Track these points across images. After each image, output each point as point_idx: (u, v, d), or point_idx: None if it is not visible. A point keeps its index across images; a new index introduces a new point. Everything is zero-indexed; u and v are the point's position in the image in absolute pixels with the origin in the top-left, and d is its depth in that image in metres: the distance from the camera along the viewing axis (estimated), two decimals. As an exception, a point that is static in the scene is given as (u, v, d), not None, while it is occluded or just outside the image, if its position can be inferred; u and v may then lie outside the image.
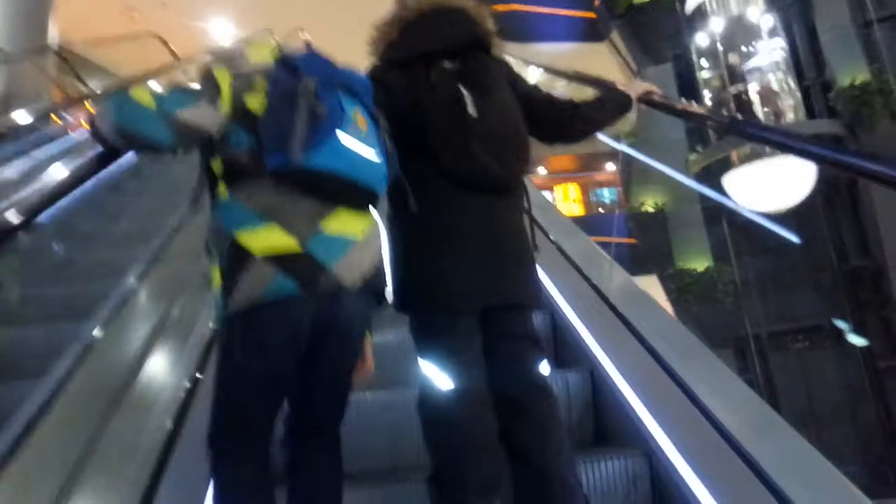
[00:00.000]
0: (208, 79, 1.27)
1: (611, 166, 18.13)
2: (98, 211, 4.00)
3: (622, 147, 10.15)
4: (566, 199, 17.63)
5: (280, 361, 1.26)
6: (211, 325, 1.94)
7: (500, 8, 12.38)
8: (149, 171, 4.98)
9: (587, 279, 2.48)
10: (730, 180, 8.84)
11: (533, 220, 1.63)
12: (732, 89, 9.21)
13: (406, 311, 1.52)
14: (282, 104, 1.24)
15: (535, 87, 1.69)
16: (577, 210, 17.23)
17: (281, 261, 1.20)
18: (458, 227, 1.47)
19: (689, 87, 9.89)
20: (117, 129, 1.22)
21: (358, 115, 1.30)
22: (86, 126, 1.38)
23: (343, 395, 1.40)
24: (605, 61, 12.18)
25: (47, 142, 4.68)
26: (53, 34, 7.35)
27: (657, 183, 9.85)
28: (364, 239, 1.31)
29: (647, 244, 9.88)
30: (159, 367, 1.98)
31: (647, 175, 9.98)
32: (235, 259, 1.21)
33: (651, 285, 9.82)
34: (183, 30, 11.95)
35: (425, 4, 1.58)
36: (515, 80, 1.65)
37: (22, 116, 3.30)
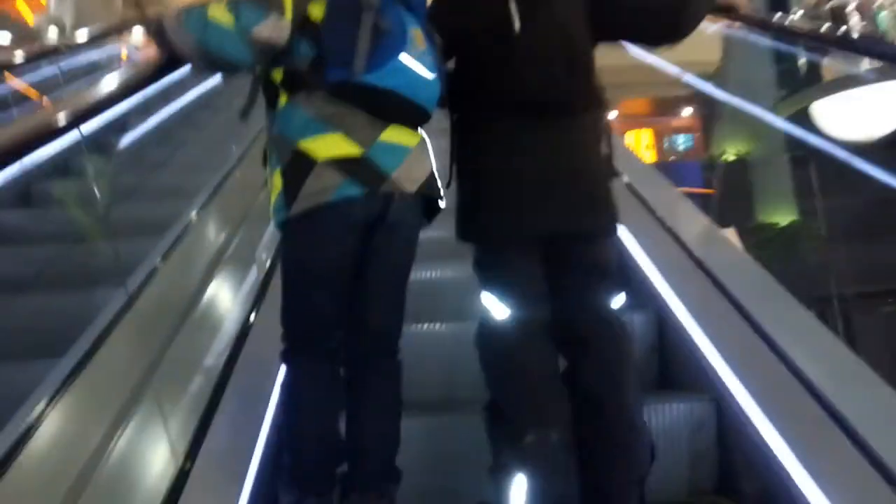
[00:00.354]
0: None
1: (688, 111, 17.08)
2: (167, 139, 4.25)
3: (705, 85, 9.56)
4: (637, 146, 16.84)
5: (342, 256, 1.30)
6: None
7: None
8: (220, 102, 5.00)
9: (655, 215, 2.34)
10: (818, 107, 8.18)
11: (610, 144, 1.49)
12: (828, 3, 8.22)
13: (467, 239, 1.48)
14: (344, 17, 1.22)
15: None
16: (649, 157, 16.42)
17: (346, 165, 1.24)
18: (519, 152, 1.39)
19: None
20: (200, 50, 1.25)
21: (416, 33, 1.28)
22: (149, 36, 1.32)
23: (399, 303, 1.42)
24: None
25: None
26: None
27: (740, 130, 9.19)
28: (417, 147, 1.35)
29: (726, 195, 9.34)
30: (226, 283, 2.04)
31: (730, 121, 9.31)
32: (299, 165, 1.24)
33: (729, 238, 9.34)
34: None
35: None
36: None
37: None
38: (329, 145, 1.24)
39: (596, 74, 1.47)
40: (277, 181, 1.28)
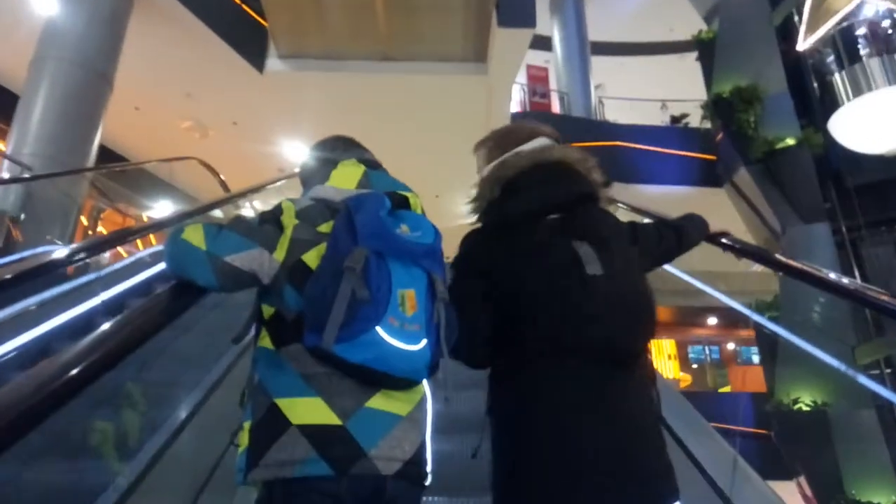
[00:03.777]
0: (273, 219, 1.26)
1: (712, 320, 15.86)
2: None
3: (765, 322, 8.11)
4: (660, 356, 15.31)
5: None
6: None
7: (602, 144, 11.05)
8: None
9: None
10: (837, 120, 7.26)
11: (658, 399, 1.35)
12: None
13: None
14: (327, 278, 1.14)
15: (648, 226, 1.62)
16: (673, 371, 14.79)
17: (318, 436, 1.13)
18: (573, 411, 1.22)
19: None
20: (170, 267, 1.27)
21: (407, 294, 1.17)
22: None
23: None
24: (723, 212, 10.32)
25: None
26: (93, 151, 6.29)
27: (813, 374, 7.60)
28: (409, 415, 1.23)
29: (799, 450, 7.45)
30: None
31: (801, 363, 7.74)
32: (271, 425, 1.15)
33: (789, 493, 7.36)
34: (254, 149, 11.09)
35: (526, 161, 1.47)
36: (635, 227, 1.53)
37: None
38: (306, 410, 1.14)
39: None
40: (245, 438, 1.18)
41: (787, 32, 9.35)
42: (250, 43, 8.98)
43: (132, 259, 5.14)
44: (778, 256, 2.15)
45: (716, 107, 9.13)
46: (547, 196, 1.42)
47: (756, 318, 8.33)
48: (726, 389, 16.06)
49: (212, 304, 3.71)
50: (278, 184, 5.23)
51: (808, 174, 8.23)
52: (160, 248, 5.08)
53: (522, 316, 1.30)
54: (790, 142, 8.35)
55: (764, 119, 8.86)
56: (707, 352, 16.41)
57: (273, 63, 9.27)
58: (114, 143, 11.29)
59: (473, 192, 1.54)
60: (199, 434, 2.41)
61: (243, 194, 4.48)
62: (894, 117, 6.85)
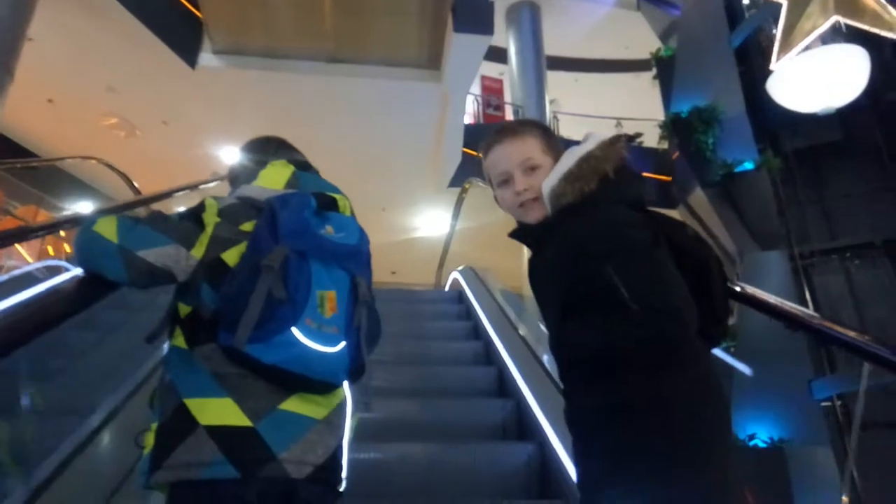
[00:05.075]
0: (194, 216, 1.23)
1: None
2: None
3: (722, 355, 7.82)
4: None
5: None
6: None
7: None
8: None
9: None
10: (774, 80, 7.25)
11: None
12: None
13: None
14: (244, 276, 1.12)
15: None
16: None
17: (226, 438, 1.09)
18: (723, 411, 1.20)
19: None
20: (78, 258, 1.23)
21: (327, 296, 1.16)
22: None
23: None
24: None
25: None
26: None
27: (769, 408, 7.33)
28: (326, 419, 1.21)
29: (755, 487, 7.16)
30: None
31: (756, 396, 7.45)
32: (178, 425, 1.11)
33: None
34: (186, 152, 10.16)
35: (616, 157, 1.33)
36: None
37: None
38: (215, 411, 1.10)
39: None
40: (150, 439, 1.14)
41: (745, 54, 9.22)
42: (181, 34, 8.13)
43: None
44: (750, 289, 1.90)
45: (674, 126, 8.88)
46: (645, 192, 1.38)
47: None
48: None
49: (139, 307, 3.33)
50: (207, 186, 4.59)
51: (766, 199, 8.03)
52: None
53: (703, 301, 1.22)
54: (748, 165, 8.15)
55: (722, 140, 8.66)
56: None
57: (207, 58, 8.44)
58: (22, 137, 10.16)
59: (556, 184, 1.31)
60: (112, 439, 2.34)
61: (157, 197, 3.85)
62: (828, 75, 6.80)
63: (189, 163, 10.26)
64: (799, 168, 9.06)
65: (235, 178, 1.50)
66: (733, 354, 7.68)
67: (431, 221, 12.09)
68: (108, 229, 1.15)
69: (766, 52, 8.87)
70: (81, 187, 10.67)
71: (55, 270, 4.91)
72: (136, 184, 5.37)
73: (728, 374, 7.68)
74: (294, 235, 1.15)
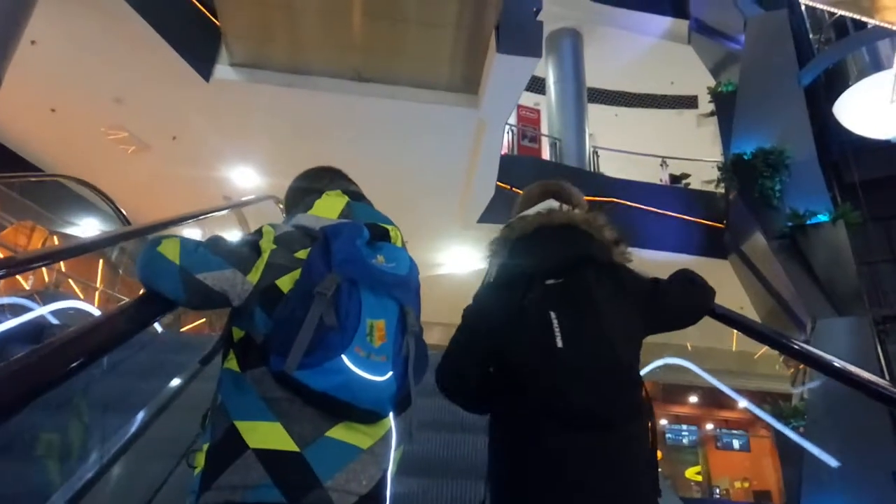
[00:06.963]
0: (252, 242, 1.25)
1: (693, 399, 14.58)
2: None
3: (790, 433, 6.76)
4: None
5: None
6: None
7: (597, 199, 9.76)
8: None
9: None
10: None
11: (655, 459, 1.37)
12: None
13: None
14: (298, 302, 1.14)
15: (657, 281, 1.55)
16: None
17: (273, 462, 1.09)
18: (557, 472, 1.30)
19: None
20: (140, 276, 1.24)
21: (376, 325, 1.17)
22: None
23: None
24: (724, 282, 9.03)
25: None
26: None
27: (848, 486, 6.25)
28: (370, 449, 1.19)
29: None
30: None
31: (833, 474, 6.39)
32: (228, 447, 1.11)
33: None
34: (196, 171, 9.39)
35: (530, 225, 1.57)
36: (657, 283, 1.54)
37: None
38: (264, 434, 1.10)
39: (640, 386, 1.41)
40: (201, 459, 1.15)
41: (814, 95, 8.32)
42: (197, 43, 7.42)
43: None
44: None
45: (734, 168, 7.95)
46: (547, 257, 1.48)
47: (779, 426, 7.00)
48: (695, 472, 14.72)
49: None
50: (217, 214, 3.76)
51: (845, 257, 7.03)
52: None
53: (509, 377, 1.39)
54: (823, 218, 7.18)
55: (789, 187, 7.72)
56: (685, 431, 15.04)
57: (223, 70, 7.71)
58: (22, 148, 9.47)
59: (488, 249, 1.66)
60: (144, 455, 2.37)
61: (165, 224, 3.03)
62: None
63: (199, 184, 9.50)
64: (871, 220, 8.08)
65: (291, 206, 1.54)
66: (803, 435, 6.62)
67: (457, 258, 11.20)
68: (171, 251, 1.19)
69: (835, 91, 8.00)
70: (82, 203, 9.93)
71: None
72: (123, 211, 4.54)
73: (796, 457, 6.62)
74: (346, 264, 1.17)
